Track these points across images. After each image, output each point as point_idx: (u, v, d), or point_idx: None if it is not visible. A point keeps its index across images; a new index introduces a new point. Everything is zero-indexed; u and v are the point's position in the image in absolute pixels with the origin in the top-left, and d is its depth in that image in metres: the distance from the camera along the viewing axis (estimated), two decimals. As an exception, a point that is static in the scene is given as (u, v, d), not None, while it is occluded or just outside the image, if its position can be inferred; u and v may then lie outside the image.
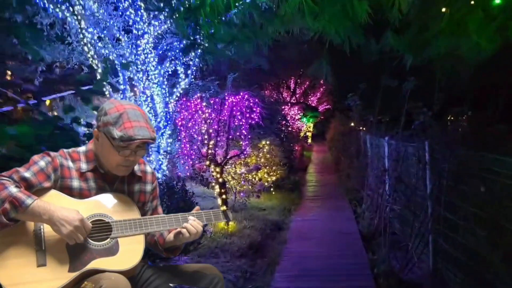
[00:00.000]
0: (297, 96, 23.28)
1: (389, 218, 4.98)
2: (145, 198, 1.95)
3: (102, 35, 8.33)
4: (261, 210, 7.24)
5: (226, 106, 6.04)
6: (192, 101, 5.94)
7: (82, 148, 1.85)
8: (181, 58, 9.35)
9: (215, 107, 5.77)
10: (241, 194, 6.75)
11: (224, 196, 5.70)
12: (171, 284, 1.91)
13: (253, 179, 7.12)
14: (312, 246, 5.69)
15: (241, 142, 6.28)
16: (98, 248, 1.72)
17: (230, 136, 6.10)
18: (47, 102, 7.90)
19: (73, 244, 1.63)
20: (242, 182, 6.67)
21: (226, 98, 6.18)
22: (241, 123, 6.06)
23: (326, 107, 27.16)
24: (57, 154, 1.77)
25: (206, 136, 5.75)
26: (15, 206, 1.56)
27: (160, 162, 8.91)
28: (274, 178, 7.97)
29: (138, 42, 7.89)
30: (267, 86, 16.32)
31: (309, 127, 24.80)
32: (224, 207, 5.40)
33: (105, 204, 1.80)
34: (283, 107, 17.34)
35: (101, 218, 1.76)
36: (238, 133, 6.19)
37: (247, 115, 6.02)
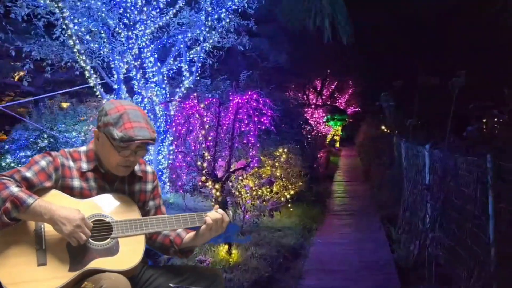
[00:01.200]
0: (323, 98, 21.74)
1: (433, 248, 4.23)
2: (145, 197, 1.97)
3: (91, 26, 7.15)
4: (276, 231, 6.31)
5: (230, 109, 4.84)
6: (188, 103, 4.80)
7: (83, 148, 1.90)
8: (186, 53, 8.13)
9: (213, 109, 4.60)
10: (247, 216, 5.58)
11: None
12: (171, 284, 1.92)
13: (266, 195, 5.91)
14: (334, 281, 4.85)
15: (251, 151, 5.10)
16: (99, 248, 1.72)
17: (235, 145, 4.90)
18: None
19: (75, 244, 1.62)
20: (248, 201, 5.48)
21: (231, 98, 4.98)
22: (248, 128, 4.87)
23: (355, 109, 26.49)
24: (58, 154, 1.81)
25: (204, 145, 4.58)
26: (16, 205, 1.58)
27: (160, 173, 7.74)
28: (292, 192, 6.70)
29: (130, 33, 6.72)
30: (290, 87, 14.90)
31: (337, 130, 24.03)
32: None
33: (106, 204, 1.82)
34: (306, 110, 15.94)
35: (102, 218, 1.77)
36: (245, 141, 5.01)
37: (256, 119, 4.82)
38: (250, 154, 5.20)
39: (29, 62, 6.68)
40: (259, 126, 5.24)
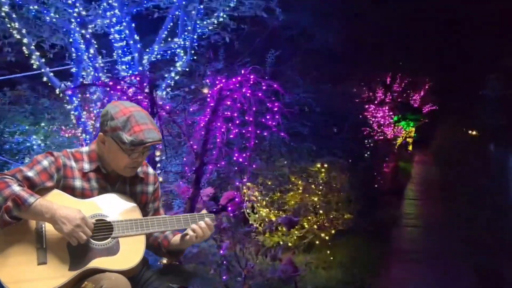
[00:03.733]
0: (395, 95, 19.35)
1: None
2: (146, 199, 2.15)
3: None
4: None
5: (209, 99, 2.20)
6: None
7: (85, 148, 2.06)
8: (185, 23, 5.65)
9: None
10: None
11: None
12: (171, 284, 1.99)
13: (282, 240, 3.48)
14: None
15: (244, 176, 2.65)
16: (99, 247, 1.88)
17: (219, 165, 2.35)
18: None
19: (75, 244, 1.81)
20: (247, 262, 3.01)
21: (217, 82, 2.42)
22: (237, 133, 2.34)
23: (431, 108, 23.21)
24: (60, 154, 1.98)
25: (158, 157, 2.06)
26: (17, 204, 1.74)
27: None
28: (333, 231, 4.03)
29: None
30: (346, 78, 11.75)
31: (410, 132, 21.44)
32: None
33: (107, 204, 1.98)
34: (368, 107, 12.77)
35: (103, 218, 1.94)
36: (235, 156, 2.41)
37: (251, 119, 2.19)
38: (244, 180, 2.72)
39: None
40: (258, 132, 2.72)
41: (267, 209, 4.35)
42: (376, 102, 16.08)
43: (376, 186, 9.07)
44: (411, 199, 10.75)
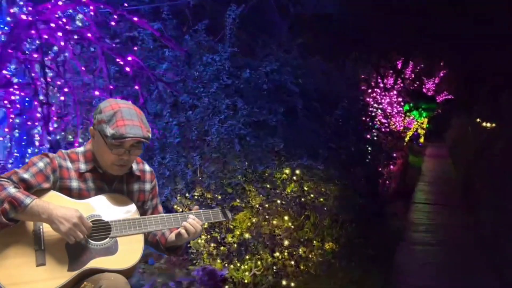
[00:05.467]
0: (406, 82, 17.25)
1: None
2: (144, 197, 2.25)
3: None
4: None
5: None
6: None
7: (80, 149, 2.16)
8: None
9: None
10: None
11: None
12: (170, 284, 2.38)
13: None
14: None
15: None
16: (97, 247, 1.98)
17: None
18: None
19: (73, 242, 1.93)
20: None
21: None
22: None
23: (446, 96, 21.56)
24: (56, 155, 2.09)
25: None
26: (14, 206, 1.82)
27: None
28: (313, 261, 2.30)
29: None
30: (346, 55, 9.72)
31: (422, 123, 19.53)
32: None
33: (104, 204, 2.07)
34: (370, 91, 10.94)
35: (100, 218, 2.04)
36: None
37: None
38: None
39: None
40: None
41: (204, 239, 2.75)
42: (381, 86, 13.98)
43: (378, 191, 7.18)
44: (423, 204, 9.08)
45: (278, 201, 3.82)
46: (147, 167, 2.27)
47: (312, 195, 4.27)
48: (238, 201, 3.63)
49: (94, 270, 1.94)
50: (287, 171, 4.05)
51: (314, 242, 4.05)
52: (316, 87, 5.91)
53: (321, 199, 4.37)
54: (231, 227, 3.39)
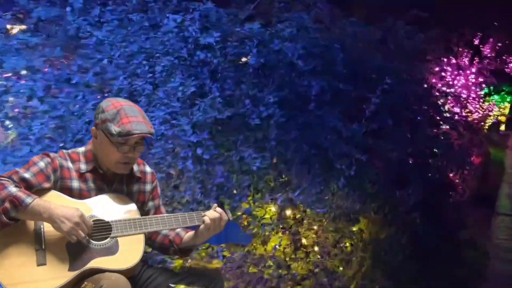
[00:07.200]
0: (485, 62, 14.20)
1: None
2: (144, 198, 2.31)
3: None
4: None
5: None
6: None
7: (81, 149, 2.20)
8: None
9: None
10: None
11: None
12: (171, 284, 2.08)
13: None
14: None
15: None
16: (98, 247, 2.02)
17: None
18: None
19: (74, 241, 1.96)
20: None
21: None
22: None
23: None
24: (57, 155, 2.13)
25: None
26: (15, 205, 1.86)
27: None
28: None
29: None
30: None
31: (505, 108, 16.71)
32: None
33: (105, 204, 2.12)
34: (438, 69, 9.07)
35: (101, 217, 2.09)
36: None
37: None
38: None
39: None
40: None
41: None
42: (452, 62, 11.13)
43: (449, 200, 4.50)
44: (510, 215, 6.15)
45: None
46: (148, 169, 2.32)
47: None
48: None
49: (94, 270, 1.97)
50: (272, 208, 2.61)
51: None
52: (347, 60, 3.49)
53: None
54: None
